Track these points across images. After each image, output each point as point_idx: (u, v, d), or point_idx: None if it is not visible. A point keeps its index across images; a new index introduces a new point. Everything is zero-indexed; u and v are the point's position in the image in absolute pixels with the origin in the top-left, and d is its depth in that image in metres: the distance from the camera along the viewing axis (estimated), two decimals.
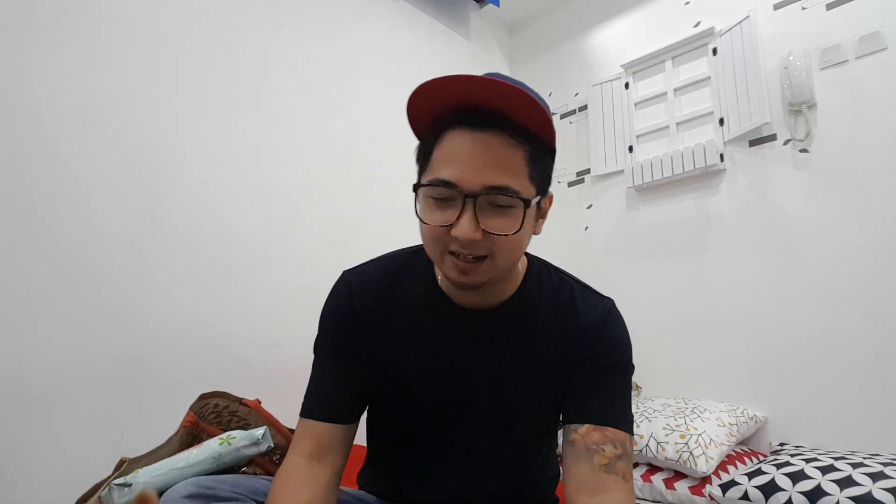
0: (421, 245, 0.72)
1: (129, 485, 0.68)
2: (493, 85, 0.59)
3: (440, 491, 0.79)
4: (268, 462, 0.88)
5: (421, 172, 0.67)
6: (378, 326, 0.75)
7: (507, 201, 0.62)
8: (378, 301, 0.75)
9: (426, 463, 0.79)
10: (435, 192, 0.63)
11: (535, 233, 0.70)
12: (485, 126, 0.61)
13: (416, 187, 0.65)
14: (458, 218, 0.61)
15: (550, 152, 0.68)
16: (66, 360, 1.22)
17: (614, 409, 0.70)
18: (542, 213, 0.70)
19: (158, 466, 0.70)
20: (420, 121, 0.66)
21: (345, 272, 0.79)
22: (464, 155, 0.61)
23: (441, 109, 0.63)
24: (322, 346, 0.77)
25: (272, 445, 0.77)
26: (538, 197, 0.65)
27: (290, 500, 0.66)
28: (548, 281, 0.78)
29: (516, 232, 0.62)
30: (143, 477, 0.68)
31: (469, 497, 0.79)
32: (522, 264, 0.77)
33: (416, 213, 0.66)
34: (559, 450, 0.76)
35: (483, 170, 0.61)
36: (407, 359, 0.75)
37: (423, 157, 0.67)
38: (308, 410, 0.74)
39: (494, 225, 0.62)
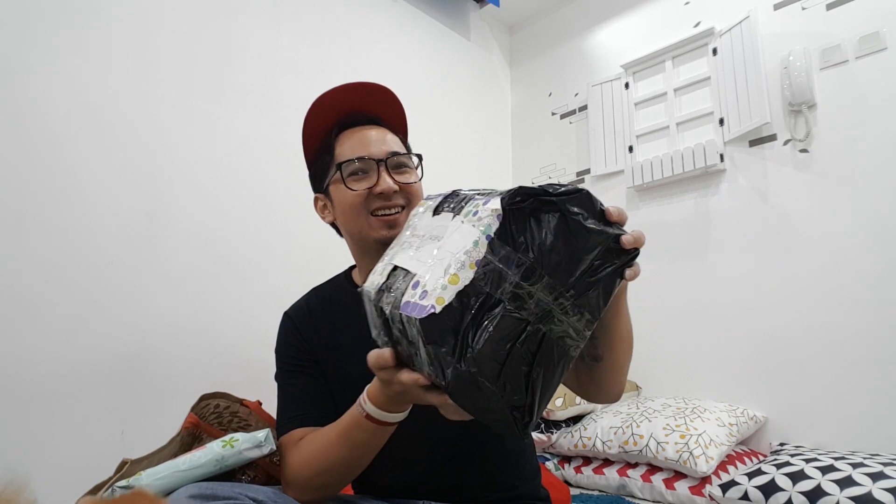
0: (336, 274, 0.94)
1: (132, 487, 0.68)
2: (368, 86, 0.86)
3: (407, 475, 0.81)
4: (268, 464, 0.88)
5: (325, 170, 0.85)
6: (320, 331, 0.87)
7: (405, 160, 0.85)
8: (313, 315, 0.89)
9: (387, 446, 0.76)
10: (353, 167, 0.81)
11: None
12: (368, 123, 0.86)
13: (338, 166, 0.82)
14: (378, 178, 0.80)
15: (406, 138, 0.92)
16: (66, 360, 1.22)
17: None
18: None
19: (161, 469, 0.70)
20: (316, 133, 0.87)
21: (283, 313, 0.93)
22: (365, 139, 0.83)
23: (338, 117, 0.86)
24: (283, 369, 0.87)
25: (274, 447, 0.77)
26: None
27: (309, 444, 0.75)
28: None
29: (419, 180, 0.85)
30: (146, 479, 0.68)
31: (444, 482, 0.80)
32: None
33: (331, 201, 0.85)
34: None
35: (382, 144, 0.83)
36: (347, 344, 0.82)
37: (327, 156, 0.85)
38: (287, 427, 0.79)
39: (403, 179, 0.82)
